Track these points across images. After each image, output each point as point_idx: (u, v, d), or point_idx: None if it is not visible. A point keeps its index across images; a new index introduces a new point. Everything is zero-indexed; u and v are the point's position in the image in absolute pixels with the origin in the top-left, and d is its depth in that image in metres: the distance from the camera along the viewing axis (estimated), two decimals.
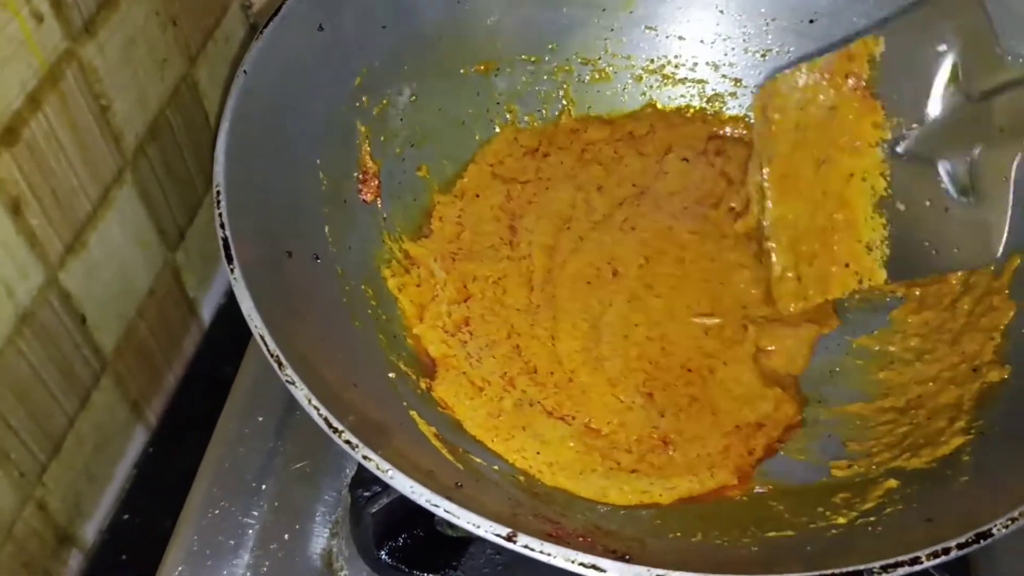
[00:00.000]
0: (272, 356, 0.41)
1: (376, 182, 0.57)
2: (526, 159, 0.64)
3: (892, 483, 0.47)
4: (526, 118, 0.65)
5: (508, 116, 0.65)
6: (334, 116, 0.56)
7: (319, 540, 0.52)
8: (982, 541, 0.37)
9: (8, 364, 0.46)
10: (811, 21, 0.63)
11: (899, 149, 0.52)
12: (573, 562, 0.36)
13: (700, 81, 0.66)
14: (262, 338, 0.41)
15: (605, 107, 0.66)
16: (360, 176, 0.57)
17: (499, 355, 0.56)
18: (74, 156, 0.49)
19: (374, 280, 0.55)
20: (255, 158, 0.49)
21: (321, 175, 0.54)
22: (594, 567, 0.36)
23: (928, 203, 0.51)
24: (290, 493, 0.54)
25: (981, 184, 0.49)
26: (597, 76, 0.66)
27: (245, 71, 0.50)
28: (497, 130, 0.64)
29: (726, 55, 0.66)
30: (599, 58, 0.66)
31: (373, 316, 0.53)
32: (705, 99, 0.67)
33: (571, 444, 0.52)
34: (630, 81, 0.66)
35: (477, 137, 0.64)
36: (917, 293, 0.57)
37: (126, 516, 0.58)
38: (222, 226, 0.44)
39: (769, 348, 0.57)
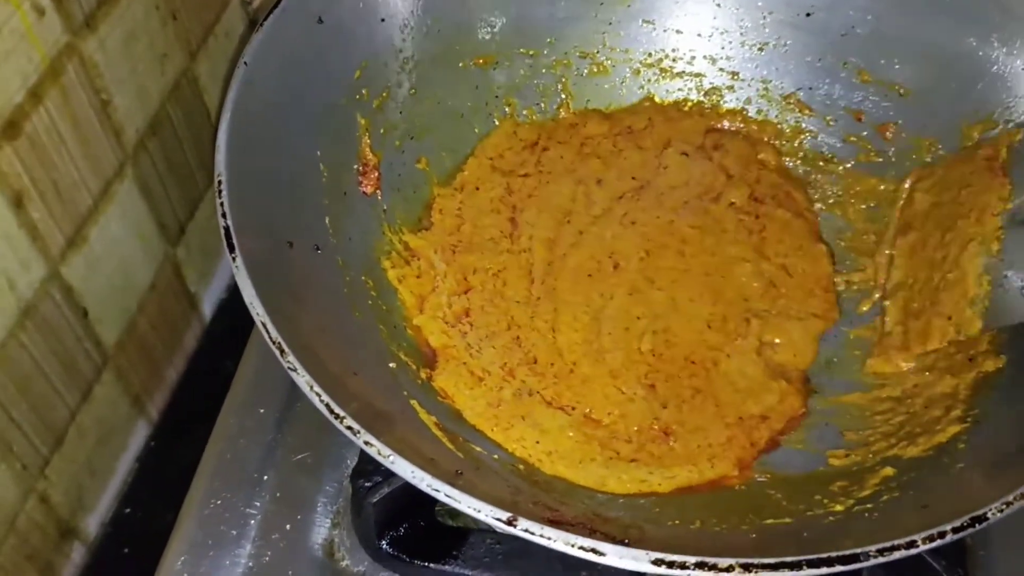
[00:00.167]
0: (274, 343, 0.41)
1: (376, 174, 0.58)
2: (525, 152, 0.65)
3: (889, 471, 0.47)
4: (525, 111, 0.66)
5: (507, 109, 0.65)
6: (334, 108, 0.56)
7: (321, 530, 0.53)
8: (977, 525, 0.37)
9: (10, 357, 0.47)
10: (808, 14, 0.63)
11: (1019, 217, 0.53)
12: (573, 545, 0.36)
13: (698, 75, 0.67)
14: (264, 325, 0.41)
15: (603, 101, 0.67)
16: (360, 168, 0.57)
17: (499, 346, 0.56)
18: (75, 150, 0.49)
19: (374, 271, 0.56)
20: (256, 149, 0.49)
21: (321, 167, 0.54)
22: (593, 550, 0.36)
23: None
24: (291, 484, 0.54)
25: None
26: (595, 70, 0.66)
27: (246, 62, 0.50)
28: (496, 123, 0.65)
29: (723, 48, 0.66)
30: (597, 52, 0.66)
31: (373, 307, 0.54)
32: (703, 92, 0.67)
33: (570, 433, 0.52)
34: (628, 75, 0.67)
35: (476, 130, 0.64)
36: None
37: (128, 509, 0.59)
38: (224, 215, 0.44)
39: (775, 341, 0.57)
